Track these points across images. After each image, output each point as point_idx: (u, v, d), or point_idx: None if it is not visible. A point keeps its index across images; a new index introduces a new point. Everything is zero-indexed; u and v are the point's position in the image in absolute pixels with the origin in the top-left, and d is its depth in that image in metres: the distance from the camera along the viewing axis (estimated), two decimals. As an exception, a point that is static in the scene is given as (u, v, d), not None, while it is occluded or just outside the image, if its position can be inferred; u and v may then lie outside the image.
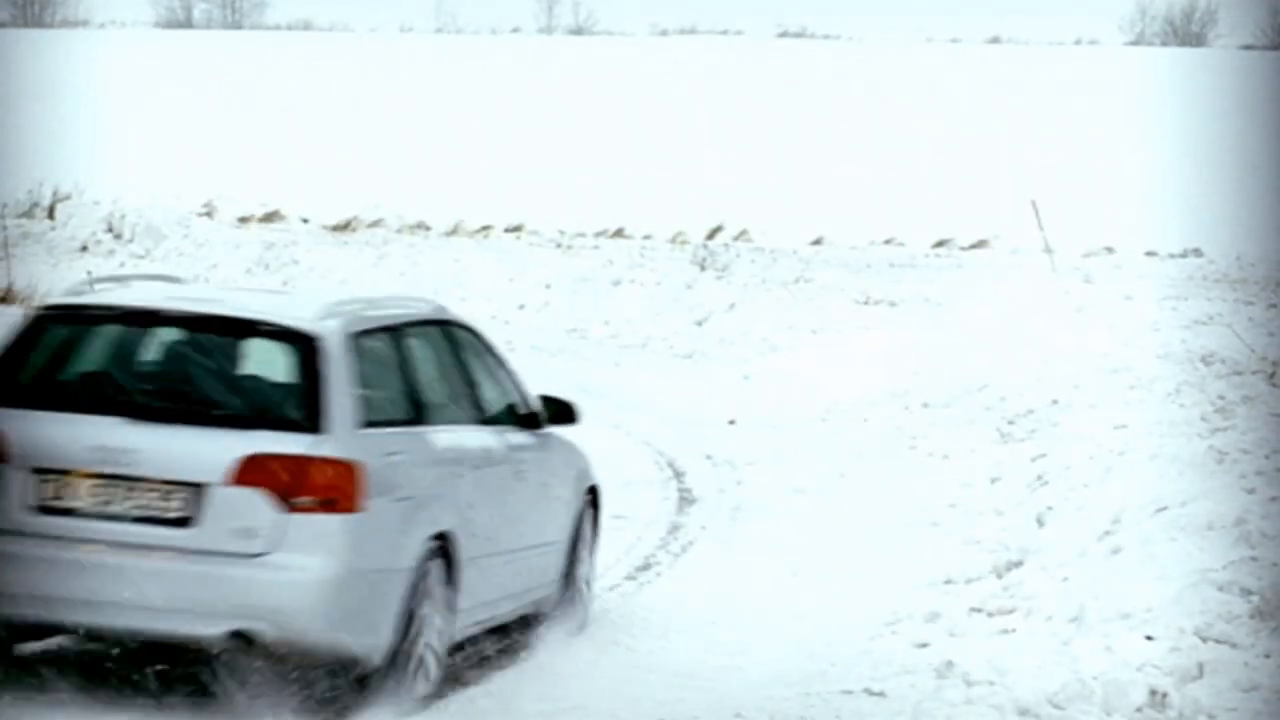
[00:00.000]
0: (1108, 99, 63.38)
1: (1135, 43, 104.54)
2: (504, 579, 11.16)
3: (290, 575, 9.25)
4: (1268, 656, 10.35)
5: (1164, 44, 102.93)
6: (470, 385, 11.37)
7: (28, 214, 38.08)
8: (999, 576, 13.17)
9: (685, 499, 17.57)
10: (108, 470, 9.35)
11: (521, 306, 28.78)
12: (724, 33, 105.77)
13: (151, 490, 9.36)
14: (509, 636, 12.09)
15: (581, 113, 60.91)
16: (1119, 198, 41.55)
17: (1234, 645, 10.49)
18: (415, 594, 9.81)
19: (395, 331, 10.52)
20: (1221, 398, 16.15)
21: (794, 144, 52.71)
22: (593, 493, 12.95)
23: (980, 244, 36.65)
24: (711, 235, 37.41)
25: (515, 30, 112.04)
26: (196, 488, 9.30)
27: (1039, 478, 15.59)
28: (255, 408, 9.74)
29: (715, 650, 12.40)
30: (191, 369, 9.88)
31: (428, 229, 38.55)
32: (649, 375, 24.11)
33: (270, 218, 39.59)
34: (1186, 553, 11.76)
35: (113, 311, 10.16)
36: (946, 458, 17.73)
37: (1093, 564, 12.38)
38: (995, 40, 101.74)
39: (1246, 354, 18.68)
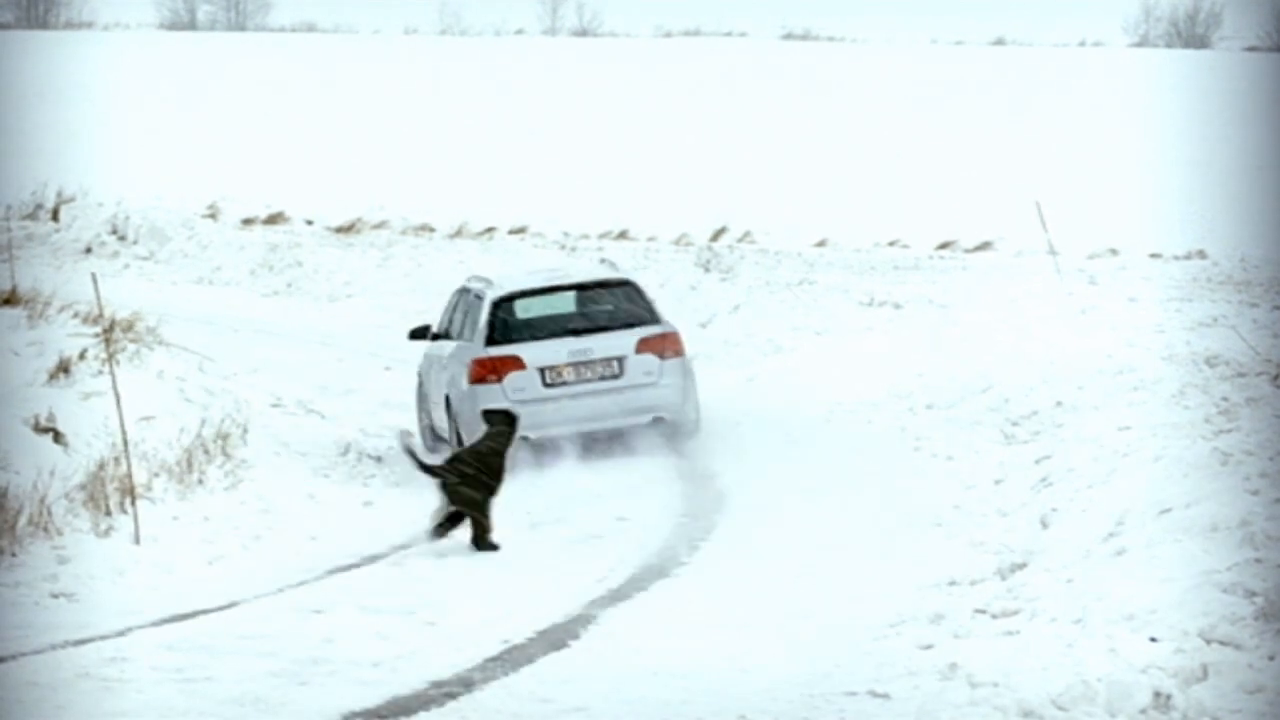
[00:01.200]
0: (1112, 101, 63.37)
1: (1140, 44, 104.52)
2: None
3: (669, 390, 18.96)
4: (1272, 658, 10.34)
5: (1168, 46, 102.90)
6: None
7: (32, 215, 38.16)
8: (1003, 578, 13.17)
9: (688, 501, 17.57)
10: (577, 360, 18.76)
11: (526, 308, 28.76)
12: (728, 34, 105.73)
13: (599, 364, 18.77)
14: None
15: (586, 114, 60.93)
16: (1123, 200, 41.54)
17: (1238, 647, 10.49)
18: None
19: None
20: (1226, 399, 16.13)
21: (798, 146, 52.71)
22: None
23: (984, 246, 36.64)
24: (716, 237, 37.41)
25: (519, 32, 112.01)
26: (621, 359, 18.84)
27: (1043, 479, 15.58)
28: (630, 318, 19.10)
29: (719, 651, 12.40)
30: (587, 308, 19.25)
31: (432, 230, 38.57)
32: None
33: (274, 219, 39.61)
34: (1191, 554, 11.75)
35: (528, 290, 19.40)
36: (950, 459, 17.73)
37: (1097, 566, 12.37)
38: (1000, 42, 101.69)
39: (1251, 356, 18.65)
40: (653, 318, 19.10)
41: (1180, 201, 40.91)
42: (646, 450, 19.85)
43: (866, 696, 11.24)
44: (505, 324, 18.84)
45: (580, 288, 19.42)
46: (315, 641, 12.88)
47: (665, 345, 18.94)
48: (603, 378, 18.67)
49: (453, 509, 15.42)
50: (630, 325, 18.95)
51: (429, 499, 17.73)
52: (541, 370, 18.52)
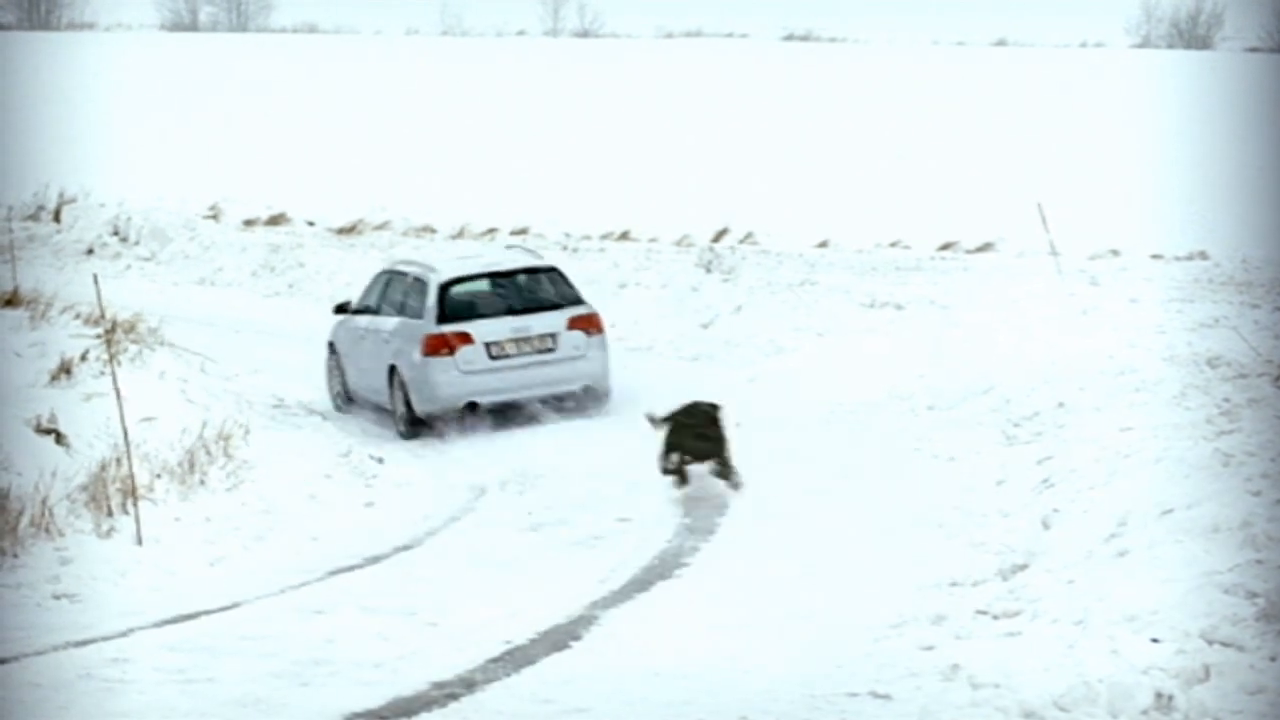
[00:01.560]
0: (1114, 102, 63.34)
1: (1141, 45, 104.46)
2: None
3: (595, 362, 21.47)
4: (1273, 659, 10.34)
5: (1170, 47, 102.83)
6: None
7: (34, 217, 38.15)
8: (1004, 579, 13.17)
9: (690, 501, 17.57)
10: (517, 336, 21.08)
11: (527, 309, 28.76)
12: (729, 35, 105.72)
13: (536, 340, 21.15)
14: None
15: (587, 115, 60.91)
16: (1125, 200, 41.50)
17: (1240, 648, 10.49)
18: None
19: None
20: (1227, 400, 16.12)
21: (799, 147, 52.68)
22: None
23: (986, 247, 36.57)
24: (717, 238, 37.37)
25: (521, 33, 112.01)
26: (554, 335, 21.23)
27: (1044, 480, 15.58)
28: (559, 300, 21.52)
29: (720, 652, 12.41)
30: (521, 291, 21.61)
31: (434, 231, 38.54)
32: (655, 377, 24.09)
33: (276, 220, 39.59)
34: (1192, 555, 11.76)
35: (472, 275, 21.70)
36: (952, 460, 17.73)
37: (1098, 567, 12.37)
38: (1001, 43, 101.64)
39: (1252, 357, 18.64)
40: (578, 300, 21.67)
41: (1182, 202, 40.87)
42: (646, 452, 19.88)
43: (868, 697, 11.25)
44: (454, 304, 21.17)
45: (515, 273, 21.85)
46: (317, 642, 12.90)
47: (590, 324, 21.52)
48: (539, 351, 21.15)
49: (686, 458, 17.66)
50: (560, 306, 21.48)
51: (429, 500, 17.79)
52: (488, 345, 20.94)
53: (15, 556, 14.47)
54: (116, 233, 35.61)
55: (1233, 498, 12.62)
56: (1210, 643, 10.56)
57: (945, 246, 37.06)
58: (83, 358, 17.21)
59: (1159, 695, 10.17)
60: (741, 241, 37.51)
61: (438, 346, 20.83)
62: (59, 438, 15.91)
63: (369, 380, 21.98)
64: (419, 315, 21.11)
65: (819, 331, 25.41)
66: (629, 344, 26.43)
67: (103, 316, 18.11)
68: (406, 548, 16.07)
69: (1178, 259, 34.92)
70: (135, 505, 15.41)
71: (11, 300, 19.27)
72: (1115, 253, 35.43)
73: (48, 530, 14.82)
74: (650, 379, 22.45)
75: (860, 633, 12.62)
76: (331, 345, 22.97)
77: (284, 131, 55.92)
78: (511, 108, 62.78)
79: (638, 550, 15.71)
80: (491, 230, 38.38)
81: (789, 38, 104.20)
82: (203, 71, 73.36)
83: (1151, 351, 20.24)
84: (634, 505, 17.38)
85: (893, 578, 14.06)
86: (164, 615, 13.68)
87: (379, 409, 21.65)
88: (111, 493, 15.44)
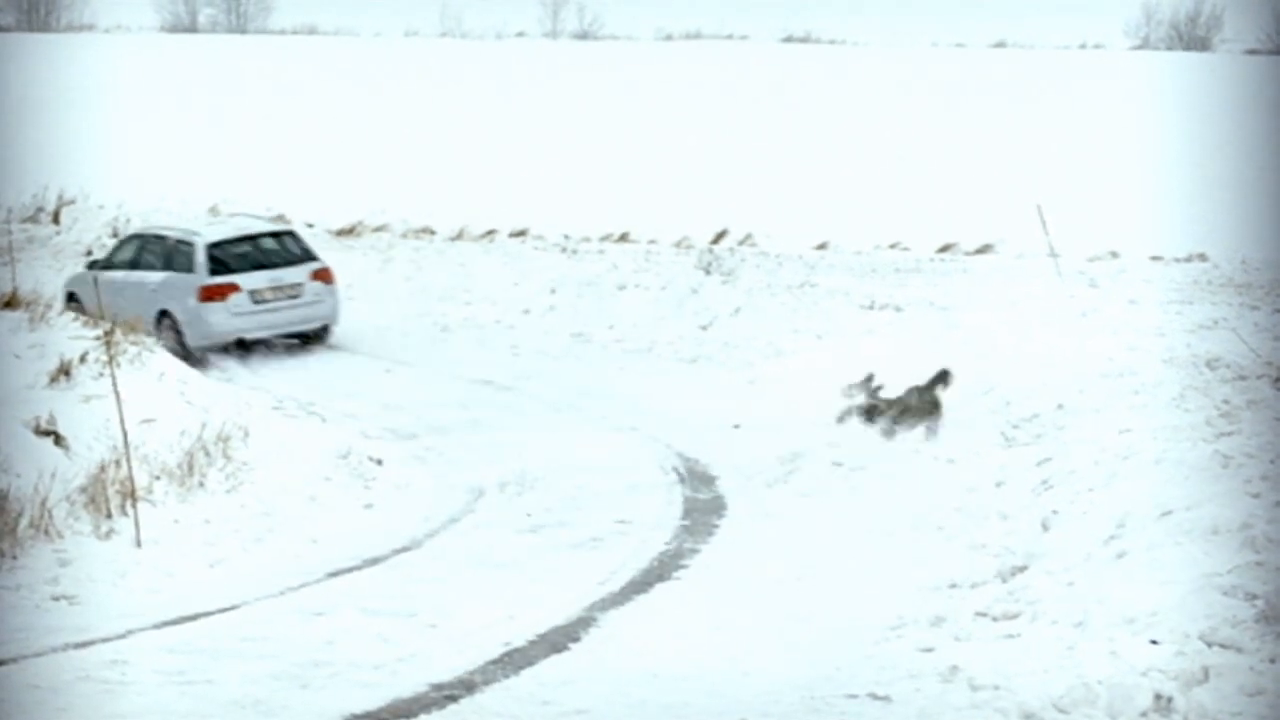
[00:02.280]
0: (1113, 103, 63.34)
1: (1140, 47, 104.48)
2: None
3: (331, 306, 26.29)
4: (1273, 661, 10.35)
5: (1169, 48, 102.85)
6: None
7: (33, 219, 38.15)
8: (1004, 581, 13.16)
9: (690, 503, 17.58)
10: (274, 285, 25.59)
11: (526, 311, 28.78)
12: (729, 37, 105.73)
13: (288, 288, 25.65)
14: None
15: (587, 117, 60.90)
16: (1124, 202, 41.49)
17: (1239, 650, 10.49)
18: None
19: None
20: (1226, 402, 16.12)
21: (799, 148, 52.68)
22: None
23: (985, 248, 36.56)
24: (717, 240, 37.38)
25: (520, 35, 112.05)
26: (300, 284, 25.81)
27: (1044, 482, 15.58)
28: (302, 256, 26.29)
29: (720, 654, 12.41)
30: (270, 249, 26.16)
31: (433, 233, 38.53)
32: (654, 379, 24.12)
33: (275, 222, 39.58)
34: (1191, 557, 11.76)
35: (233, 238, 26.11)
36: (951, 461, 17.72)
37: (1098, 568, 12.37)
38: (1000, 44, 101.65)
39: (1251, 358, 18.65)
40: (314, 256, 26.71)
41: (1181, 204, 40.86)
42: (646, 453, 19.88)
43: (867, 699, 11.25)
44: (220, 261, 25.62)
45: (264, 235, 26.64)
46: (316, 644, 12.89)
47: (326, 276, 26.40)
48: (290, 297, 25.79)
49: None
50: (303, 261, 26.33)
51: (428, 501, 17.79)
52: (251, 292, 25.39)
53: (14, 558, 14.46)
54: (116, 234, 35.55)
55: (1232, 499, 12.62)
56: (1209, 645, 10.56)
57: (945, 248, 37.05)
58: (82, 359, 17.20)
59: (1158, 697, 10.17)
60: (741, 243, 37.51)
61: (212, 294, 25.28)
62: (58, 439, 15.91)
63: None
64: (189, 270, 25.61)
65: (818, 333, 25.42)
66: (627, 346, 26.46)
67: (102, 318, 18.09)
68: (406, 549, 16.07)
69: (1177, 261, 34.93)
70: (134, 507, 15.41)
71: (11, 302, 19.27)
72: (1114, 254, 35.43)
73: (47, 532, 14.81)
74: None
75: (860, 634, 12.62)
76: (71, 294, 26.49)
77: (283, 133, 55.91)
78: (511, 109, 62.79)
79: (637, 552, 15.71)
80: (491, 232, 38.37)
81: (788, 39, 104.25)
82: (202, 73, 73.36)
83: (1151, 353, 20.25)
84: (633, 507, 17.40)
85: (892, 579, 14.07)
86: (163, 617, 13.68)
87: None
88: (111, 494, 15.43)
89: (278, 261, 26.16)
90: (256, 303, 25.48)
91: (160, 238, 26.65)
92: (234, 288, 25.34)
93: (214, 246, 25.83)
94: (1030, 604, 12.20)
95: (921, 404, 18.92)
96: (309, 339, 26.31)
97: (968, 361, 20.64)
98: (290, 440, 18.75)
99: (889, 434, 18.82)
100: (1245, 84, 70.16)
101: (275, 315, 25.73)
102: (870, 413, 19.14)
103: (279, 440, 18.43)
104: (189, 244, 25.91)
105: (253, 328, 25.50)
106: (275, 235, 26.85)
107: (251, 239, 26.37)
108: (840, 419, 19.23)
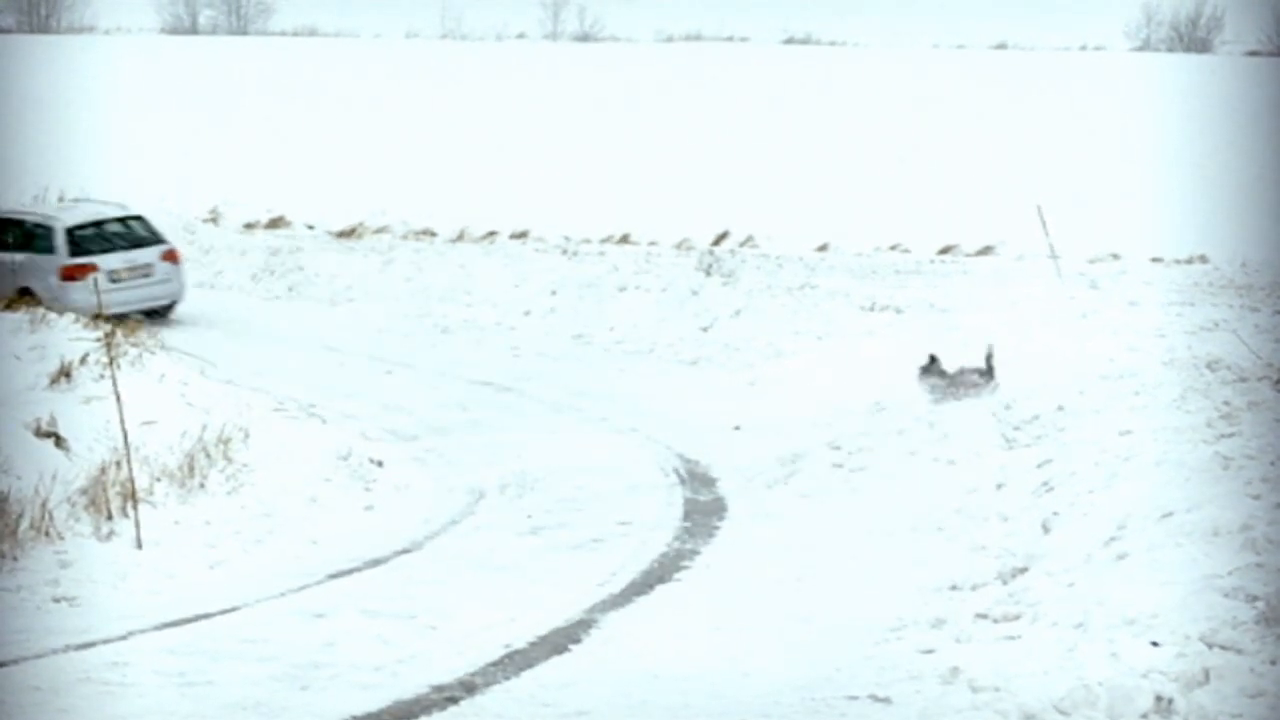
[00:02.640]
0: (1113, 105, 63.34)
1: (1141, 49, 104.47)
2: None
3: (179, 285, 28.74)
4: (1273, 663, 10.34)
5: (1170, 50, 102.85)
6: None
7: (34, 219, 38.06)
8: (1004, 582, 13.16)
9: (690, 505, 17.58)
10: (129, 265, 27.73)
11: (527, 312, 28.79)
12: (729, 39, 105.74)
13: (142, 268, 27.86)
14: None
15: (587, 119, 60.90)
16: (1124, 204, 41.49)
17: (1240, 651, 10.49)
18: None
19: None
20: (1227, 404, 16.11)
21: (799, 150, 52.68)
22: None
23: (986, 250, 36.57)
24: (717, 241, 37.39)
25: (521, 36, 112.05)
26: (152, 264, 28.04)
27: (1044, 483, 15.57)
28: (151, 239, 28.42)
29: (720, 655, 12.41)
30: (122, 233, 28.28)
31: (433, 235, 38.52)
32: (654, 381, 24.12)
33: (276, 223, 39.57)
34: (1192, 559, 11.75)
35: (88, 223, 28.03)
36: (952, 463, 17.71)
37: (1098, 570, 12.37)
38: (1001, 46, 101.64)
39: (1252, 360, 18.64)
40: (162, 239, 28.67)
41: (1181, 206, 40.86)
42: (646, 454, 19.88)
43: (867, 700, 11.25)
44: (80, 243, 27.48)
45: (117, 220, 28.49)
46: (316, 645, 12.89)
47: (173, 256, 28.46)
48: (143, 276, 27.81)
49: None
50: (153, 244, 28.33)
51: (429, 503, 17.77)
52: (109, 272, 27.09)
53: (15, 560, 14.46)
54: (116, 236, 35.58)
55: (1233, 501, 12.62)
56: (1210, 646, 10.56)
57: (945, 250, 37.06)
58: (82, 361, 17.21)
59: (1159, 698, 10.17)
60: (741, 245, 37.52)
61: (73, 273, 26.95)
62: (59, 441, 15.90)
63: None
64: (50, 251, 27.44)
65: (819, 335, 25.42)
66: (628, 347, 26.47)
67: (102, 319, 18.10)
68: (406, 551, 16.07)
69: (1177, 262, 34.94)
70: (135, 508, 15.41)
71: (11, 303, 19.28)
72: (1115, 256, 35.44)
73: (47, 533, 14.81)
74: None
75: (860, 635, 12.62)
76: None
77: (284, 134, 55.92)
78: (511, 111, 62.79)
79: (637, 553, 15.71)
80: (491, 233, 38.37)
81: (789, 41, 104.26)
82: (202, 75, 73.37)
83: (1151, 355, 20.26)
84: (634, 508, 17.39)
85: (892, 581, 14.07)
86: (164, 618, 13.67)
87: None
88: (111, 496, 15.43)
89: (130, 244, 28.17)
90: (113, 281, 27.11)
91: (17, 221, 28.23)
92: (93, 268, 26.86)
93: (73, 230, 27.68)
94: (1031, 605, 12.20)
95: (983, 374, 20.00)
96: (158, 314, 27.86)
97: (968, 362, 20.64)
98: (291, 442, 18.75)
99: (957, 399, 19.61)
100: (1246, 86, 70.16)
101: (130, 293, 27.43)
102: (942, 384, 20.08)
103: (279, 442, 18.42)
104: (47, 227, 27.74)
105: (111, 304, 26.32)
106: (126, 220, 28.67)
107: (105, 223, 28.33)
108: (929, 391, 20.02)
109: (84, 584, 14.42)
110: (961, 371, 20.21)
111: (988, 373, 20.09)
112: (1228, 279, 32.25)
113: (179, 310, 28.82)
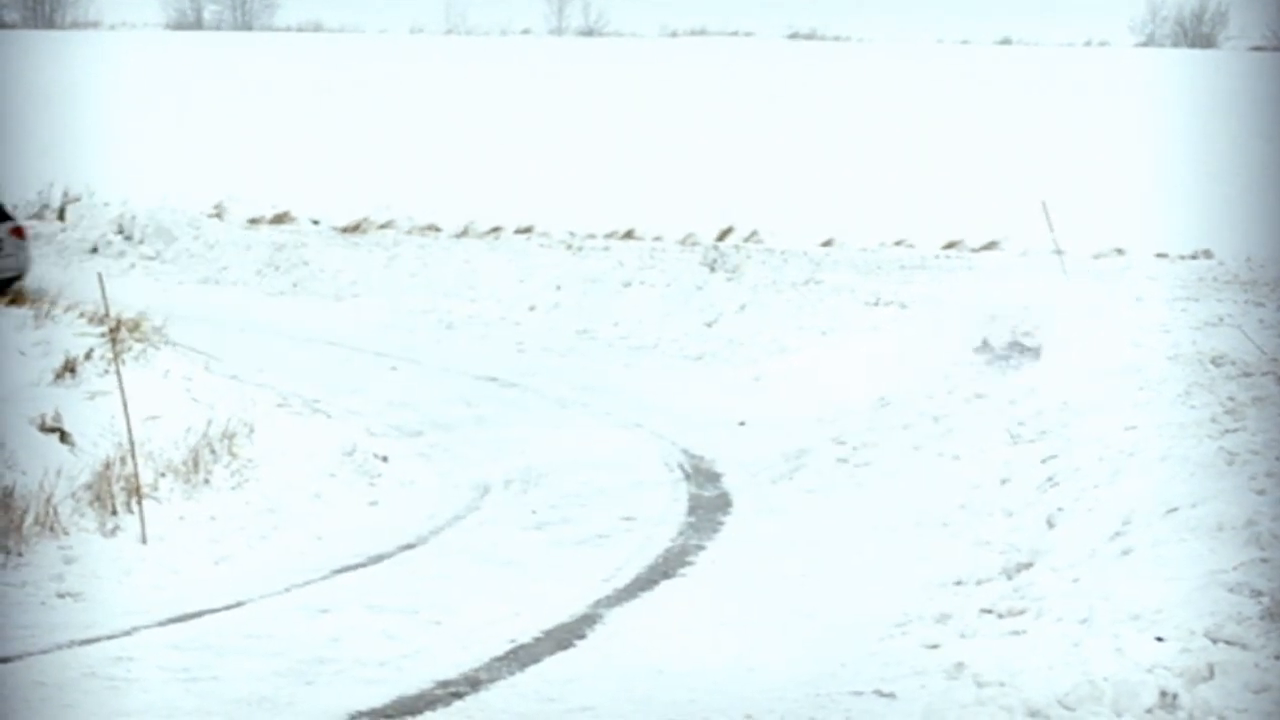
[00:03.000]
0: (1118, 100, 63.33)
1: (1146, 44, 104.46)
2: None
3: (26, 258, 28.46)
4: (1278, 658, 10.34)
5: (1174, 45, 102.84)
6: None
7: (38, 215, 38.13)
8: (1009, 578, 13.16)
9: (695, 500, 17.58)
10: None
11: (532, 307, 28.79)
12: (734, 34, 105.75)
13: None
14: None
15: (592, 114, 60.91)
16: (1129, 199, 41.50)
17: (1245, 647, 10.48)
18: None
19: None
20: (1232, 399, 16.10)
21: (804, 145, 52.69)
22: None
23: (990, 245, 36.58)
24: (722, 236, 37.40)
25: (526, 31, 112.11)
26: (4, 239, 27.95)
27: (1049, 479, 15.56)
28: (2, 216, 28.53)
29: (725, 650, 12.41)
30: None
31: (438, 230, 38.54)
32: (659, 376, 24.13)
33: (280, 219, 39.58)
34: (1197, 554, 11.75)
35: None
36: (956, 459, 17.71)
37: (1103, 565, 12.36)
38: (1006, 42, 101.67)
39: (1257, 355, 18.62)
40: (10, 215, 29.35)
41: (1186, 201, 40.86)
42: (651, 450, 19.88)
43: (872, 696, 11.25)
44: None
45: None
46: (321, 641, 12.89)
47: (20, 232, 29.02)
48: None
49: None
50: (3, 220, 28.86)
51: (433, 498, 17.78)
52: None
53: (19, 555, 14.46)
54: (121, 231, 35.58)
55: (1237, 496, 12.61)
56: (1215, 641, 10.55)
57: (950, 245, 37.07)
58: (87, 356, 17.21)
59: (1163, 694, 10.16)
60: (746, 240, 37.53)
61: None
62: (63, 436, 15.90)
63: None
64: None
65: (823, 330, 25.43)
66: (632, 342, 26.47)
67: (107, 315, 18.11)
68: (411, 546, 16.07)
69: (1182, 258, 34.95)
70: (139, 504, 15.41)
71: (16, 299, 19.28)
72: (1120, 251, 35.44)
73: (52, 529, 14.81)
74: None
75: (865, 631, 12.62)
76: None
77: (288, 130, 55.94)
78: (516, 106, 62.77)
79: (642, 548, 15.71)
80: (496, 229, 38.38)
81: (794, 36, 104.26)
82: (207, 70, 73.38)
83: (1156, 350, 20.22)
84: (638, 503, 17.40)
85: (897, 576, 14.06)
86: (168, 614, 13.67)
87: None
88: (116, 491, 15.43)
89: None
90: None
91: None
92: None
93: None
94: (1035, 601, 12.19)
95: (1026, 350, 20.86)
96: (4, 287, 28.50)
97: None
98: (295, 437, 18.75)
99: (1017, 369, 20.22)
100: (1250, 81, 70.11)
101: None
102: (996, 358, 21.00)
103: (284, 437, 18.42)
104: None
105: None
106: None
107: None
108: (987, 364, 20.78)
109: (88, 579, 14.42)
110: (1011, 345, 20.80)
111: (1032, 349, 20.77)
112: (1233, 274, 32.25)
113: (181, 308, 27.98)
